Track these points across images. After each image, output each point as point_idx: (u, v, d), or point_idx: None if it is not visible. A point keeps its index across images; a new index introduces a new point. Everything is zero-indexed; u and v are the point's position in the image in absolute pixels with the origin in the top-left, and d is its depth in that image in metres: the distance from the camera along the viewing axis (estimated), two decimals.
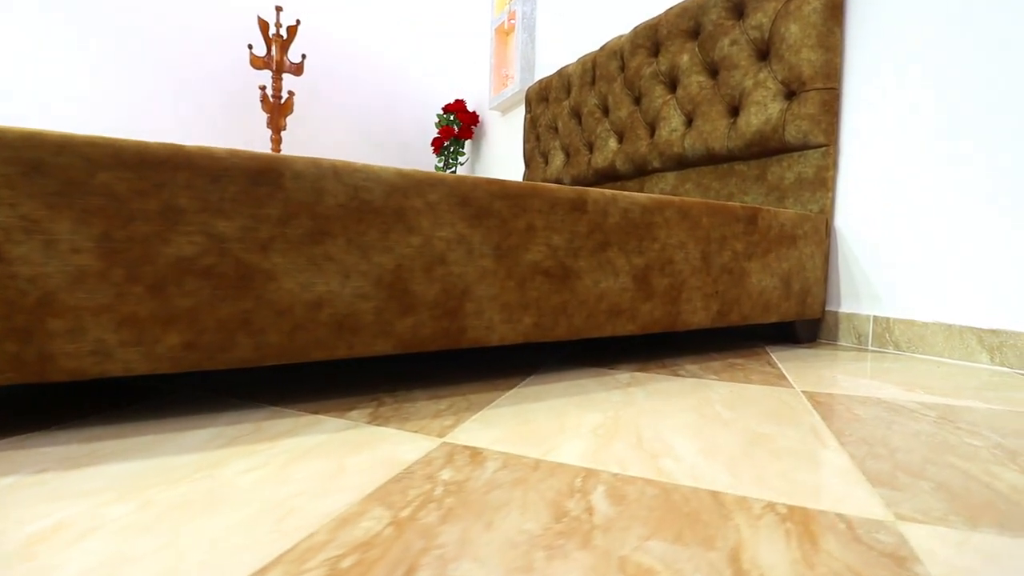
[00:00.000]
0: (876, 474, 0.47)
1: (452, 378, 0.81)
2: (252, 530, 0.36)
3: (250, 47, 2.50)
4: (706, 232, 0.95)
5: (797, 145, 1.22)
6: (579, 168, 1.93)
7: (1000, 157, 0.94)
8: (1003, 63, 0.94)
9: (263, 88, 2.52)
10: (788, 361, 0.98)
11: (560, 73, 2.06)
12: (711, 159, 1.43)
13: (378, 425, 0.58)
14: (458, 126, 2.94)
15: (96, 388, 0.73)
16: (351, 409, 0.64)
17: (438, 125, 2.98)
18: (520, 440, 0.54)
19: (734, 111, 1.37)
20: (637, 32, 1.65)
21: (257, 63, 2.55)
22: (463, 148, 3.02)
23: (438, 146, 2.96)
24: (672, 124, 1.53)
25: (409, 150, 3.36)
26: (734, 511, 0.39)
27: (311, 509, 0.39)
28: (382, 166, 0.67)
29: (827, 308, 1.22)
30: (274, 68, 2.57)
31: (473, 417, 0.61)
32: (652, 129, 1.63)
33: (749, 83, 1.30)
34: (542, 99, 2.19)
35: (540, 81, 2.20)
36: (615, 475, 0.46)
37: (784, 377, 0.85)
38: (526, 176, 2.30)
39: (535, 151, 2.24)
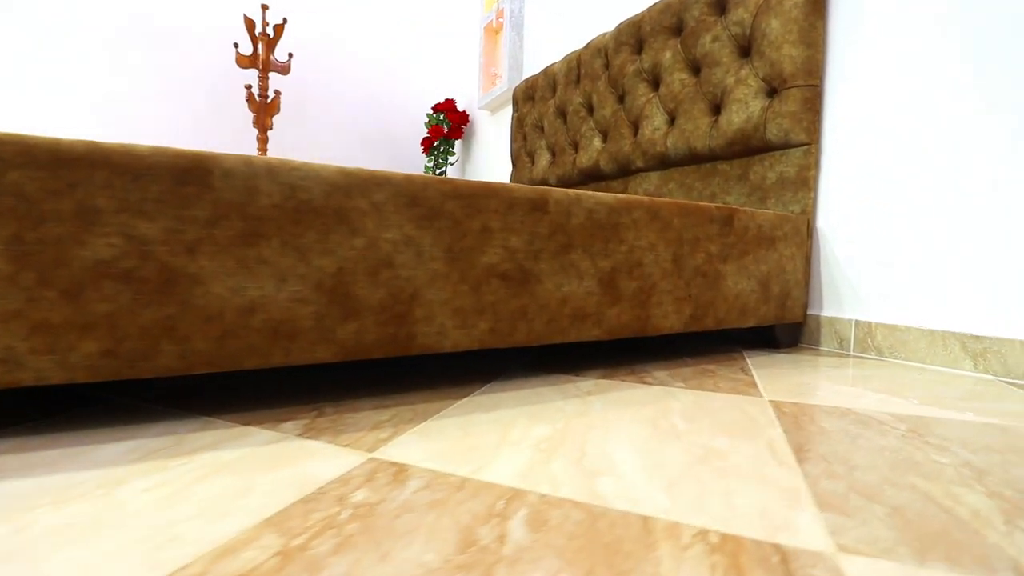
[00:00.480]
0: (828, 496, 0.43)
1: (405, 385, 0.77)
2: (124, 560, 0.33)
3: (236, 46, 2.48)
4: (678, 233, 0.92)
5: (779, 144, 1.18)
6: (564, 168, 1.90)
7: (992, 157, 0.91)
8: (998, 59, 0.90)
9: (249, 87, 2.49)
10: (763, 367, 0.95)
11: (546, 72, 2.02)
12: (694, 159, 1.39)
13: (309, 438, 0.55)
14: (447, 126, 2.91)
15: (29, 397, 0.70)
16: (287, 420, 0.61)
17: (427, 125, 2.95)
18: (455, 455, 0.51)
19: (716, 109, 1.34)
20: (621, 29, 1.62)
21: (243, 62, 2.52)
22: (453, 148, 2.99)
23: (427, 146, 2.93)
24: (655, 123, 1.49)
25: (401, 149, 3.33)
26: (661, 540, 0.36)
27: (199, 535, 0.36)
28: (323, 164, 0.63)
29: (809, 312, 1.18)
30: (260, 67, 2.54)
31: (413, 429, 0.58)
32: (635, 128, 1.59)
33: (731, 80, 1.27)
34: (528, 98, 2.16)
35: (527, 80, 2.17)
36: (543, 497, 0.42)
37: (755, 385, 0.81)
38: (513, 176, 2.27)
39: (522, 151, 2.20)
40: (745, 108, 1.22)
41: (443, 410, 0.65)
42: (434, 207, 0.69)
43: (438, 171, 3.04)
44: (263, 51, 2.53)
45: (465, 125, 2.94)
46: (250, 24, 2.52)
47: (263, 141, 2.57)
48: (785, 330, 1.15)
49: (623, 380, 0.83)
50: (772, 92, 1.19)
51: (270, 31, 2.62)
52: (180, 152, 0.56)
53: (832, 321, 1.13)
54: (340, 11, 3.12)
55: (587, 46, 1.79)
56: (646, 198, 0.89)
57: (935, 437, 0.59)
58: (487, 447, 0.53)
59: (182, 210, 0.56)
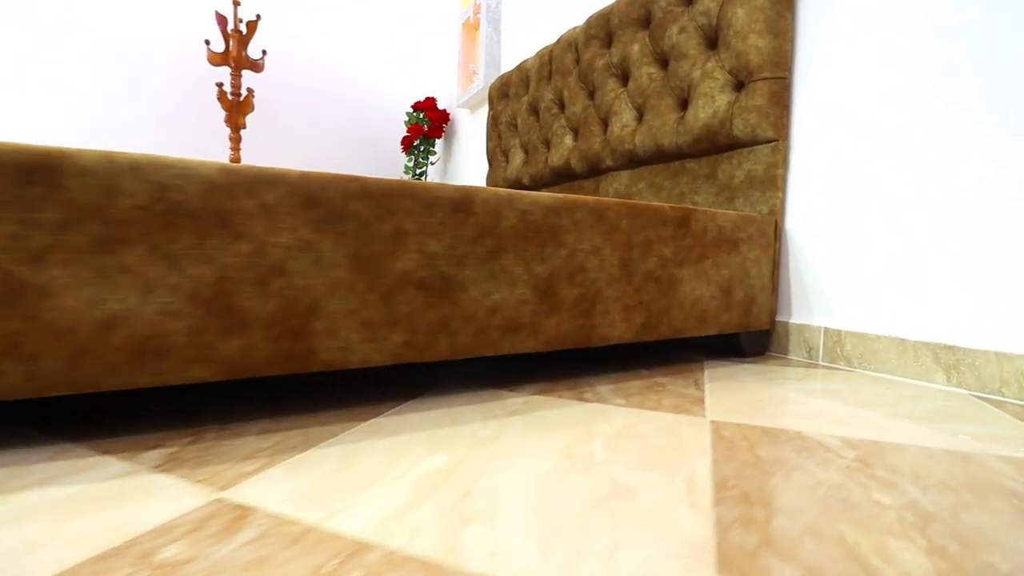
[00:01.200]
0: (734, 552, 0.37)
1: (311, 405, 0.71)
2: None
3: (207, 43, 2.42)
4: (626, 236, 0.85)
5: (746, 140, 1.11)
6: (537, 167, 1.83)
7: (971, 154, 0.84)
8: (983, 53, 0.83)
9: (220, 85, 2.43)
10: (719, 380, 0.88)
11: (520, 68, 1.96)
12: (662, 156, 1.32)
13: (164, 471, 0.48)
14: (427, 124, 2.84)
15: None
16: (155, 447, 0.54)
17: (407, 123, 2.88)
18: (318, 494, 0.44)
19: (683, 104, 1.27)
20: (591, 22, 1.55)
21: (215, 59, 2.46)
22: (434, 147, 2.92)
23: (407, 145, 2.87)
24: (623, 119, 1.43)
25: (382, 148, 3.27)
26: None
27: None
28: (201, 161, 0.57)
29: (778, 319, 1.11)
30: (233, 64, 2.48)
31: (289, 460, 0.51)
32: (605, 124, 1.53)
33: (697, 74, 1.20)
34: (503, 95, 2.09)
35: (501, 76, 2.10)
36: (389, 554, 0.35)
37: (701, 402, 0.74)
38: (488, 176, 2.20)
39: (497, 149, 2.14)
40: (711, 102, 1.15)
41: (339, 435, 0.59)
42: (336, 208, 0.63)
43: (418, 171, 2.97)
44: (235, 48, 2.47)
45: (446, 124, 2.88)
46: (222, 20, 2.46)
47: (236, 140, 2.51)
48: (751, 338, 1.08)
49: (560, 396, 0.76)
50: (739, 85, 1.12)
51: (243, 27, 2.55)
52: (24, 148, 0.50)
53: (801, 328, 1.06)
54: (317, 7, 3.06)
55: (559, 40, 1.72)
56: (590, 198, 0.82)
57: (884, 469, 0.52)
58: (360, 483, 0.46)
59: (27, 213, 0.50)
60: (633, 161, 1.42)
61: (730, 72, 1.13)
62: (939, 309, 0.86)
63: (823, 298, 1.03)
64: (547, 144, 1.81)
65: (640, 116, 1.40)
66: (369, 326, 0.65)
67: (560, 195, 0.80)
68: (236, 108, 2.51)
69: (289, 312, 0.61)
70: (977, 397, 0.80)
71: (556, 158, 1.71)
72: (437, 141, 3.15)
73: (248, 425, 0.61)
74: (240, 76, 2.52)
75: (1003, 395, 0.78)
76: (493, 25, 2.31)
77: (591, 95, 1.59)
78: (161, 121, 2.79)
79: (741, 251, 1.00)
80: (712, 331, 0.97)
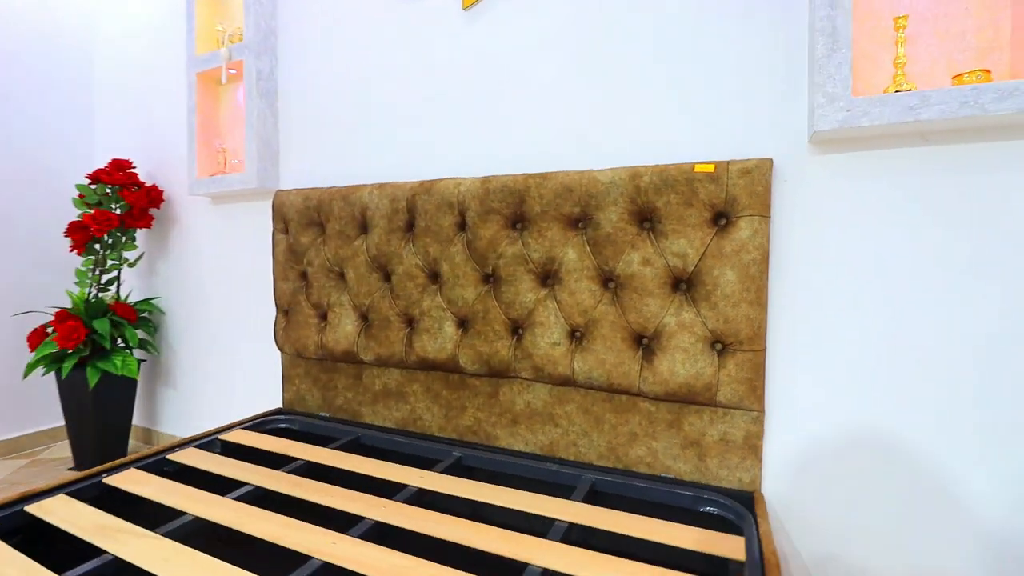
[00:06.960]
0: None
1: None
2: None
3: None
4: None
5: (727, 406, 1.02)
6: (391, 347, 1.32)
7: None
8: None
9: None
10: None
11: (346, 195, 1.36)
12: (610, 389, 1.11)
13: None
14: (122, 209, 1.75)
15: None
16: None
17: (78, 204, 1.70)
18: None
19: (638, 342, 1.08)
20: (490, 189, 1.18)
21: None
22: (135, 241, 1.82)
23: (81, 242, 1.69)
24: (552, 335, 1.14)
25: (47, 238, 1.86)
26: None
27: None
28: None
29: None
30: None
31: None
32: (517, 329, 1.19)
33: (670, 321, 1.03)
34: (311, 222, 1.43)
35: (303, 191, 1.43)
36: None
37: None
38: (283, 332, 1.49)
39: (299, 296, 1.46)
40: (693, 362, 1.01)
41: None
42: None
43: (105, 278, 1.82)
44: None
45: (158, 207, 1.83)
46: None
47: None
48: None
49: None
50: (723, 349, 1.02)
51: None
52: None
53: None
54: None
55: (423, 186, 1.26)
56: None
57: None
58: None
59: None
60: (565, 382, 1.15)
61: (712, 331, 1.01)
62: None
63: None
64: (409, 322, 1.32)
65: (579, 338, 1.13)
66: None
67: None
68: None
69: None
70: None
71: (432, 348, 1.26)
72: (140, 232, 1.97)
73: None
74: None
75: None
76: (266, 99, 1.55)
77: (487, 280, 1.22)
78: None
79: None
80: None
